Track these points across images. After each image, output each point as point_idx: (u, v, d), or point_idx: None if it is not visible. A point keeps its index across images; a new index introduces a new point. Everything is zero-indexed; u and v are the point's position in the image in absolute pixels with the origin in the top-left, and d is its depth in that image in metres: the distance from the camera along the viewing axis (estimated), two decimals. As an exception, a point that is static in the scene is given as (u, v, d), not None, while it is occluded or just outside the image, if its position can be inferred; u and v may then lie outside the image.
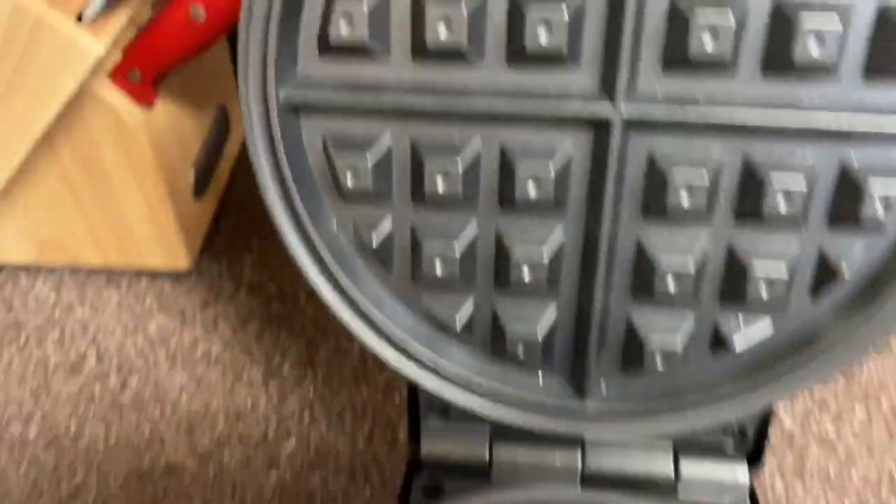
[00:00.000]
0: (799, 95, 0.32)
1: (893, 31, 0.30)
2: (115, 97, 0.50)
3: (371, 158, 0.34)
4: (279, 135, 0.34)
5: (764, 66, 0.32)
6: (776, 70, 0.32)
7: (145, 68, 0.49)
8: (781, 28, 0.31)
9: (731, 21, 0.31)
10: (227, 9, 0.46)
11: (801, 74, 0.32)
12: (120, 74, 0.50)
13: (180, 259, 0.60)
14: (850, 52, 0.31)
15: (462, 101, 0.33)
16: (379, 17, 0.32)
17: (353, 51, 0.33)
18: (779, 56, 0.31)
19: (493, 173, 0.35)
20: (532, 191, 0.34)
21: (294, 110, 0.34)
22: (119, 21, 0.45)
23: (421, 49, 0.33)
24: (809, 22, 0.30)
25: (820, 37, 0.30)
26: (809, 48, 0.31)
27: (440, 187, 0.34)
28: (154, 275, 0.61)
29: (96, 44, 0.44)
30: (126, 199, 0.55)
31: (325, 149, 0.35)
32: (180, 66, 0.50)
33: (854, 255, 0.35)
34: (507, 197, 0.35)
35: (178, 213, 0.58)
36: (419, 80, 0.34)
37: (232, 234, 0.65)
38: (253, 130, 0.34)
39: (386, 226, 0.36)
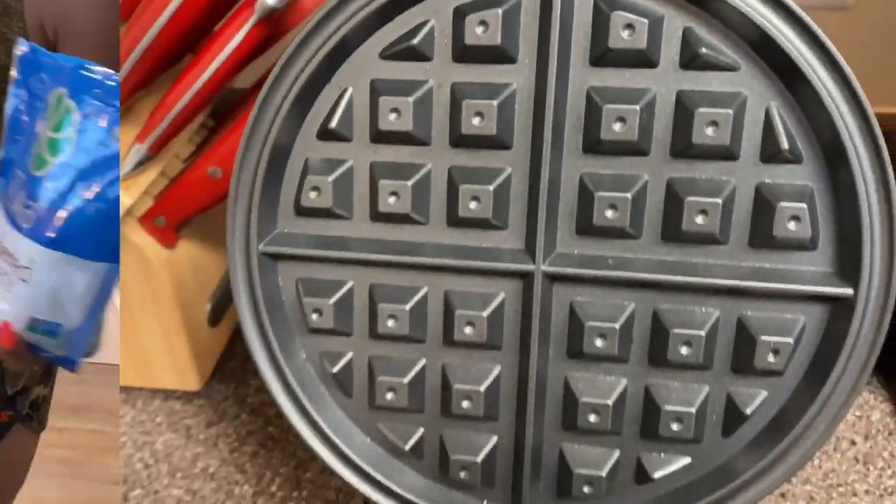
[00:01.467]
0: (694, 260, 0.38)
1: (766, 206, 0.36)
2: (142, 238, 0.58)
3: (334, 300, 0.41)
4: (258, 279, 0.41)
5: (663, 235, 0.38)
6: (672, 238, 0.38)
7: (169, 217, 0.57)
8: (673, 203, 0.37)
9: (629, 196, 0.37)
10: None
11: (693, 242, 0.37)
12: (147, 220, 0.57)
13: (191, 382, 0.66)
14: (735, 225, 0.37)
15: (411, 255, 0.40)
16: (342, 189, 0.39)
17: (322, 213, 0.40)
18: (673, 227, 0.37)
19: (438, 316, 0.41)
20: (469, 332, 0.40)
21: (273, 258, 0.41)
22: (149, 177, 0.54)
23: (376, 214, 0.40)
24: (694, 198, 0.36)
25: (704, 210, 0.36)
26: (696, 220, 0.37)
27: (392, 327, 0.40)
28: (167, 394, 0.67)
29: (125, 198, 0.53)
30: (145, 326, 0.62)
31: (297, 291, 0.41)
32: (201, 214, 0.58)
33: (758, 398, 0.39)
34: (449, 337, 0.40)
35: (192, 341, 0.64)
36: (376, 237, 0.40)
37: (243, 359, 0.71)
38: (237, 274, 0.41)
39: (346, 358, 0.42)
